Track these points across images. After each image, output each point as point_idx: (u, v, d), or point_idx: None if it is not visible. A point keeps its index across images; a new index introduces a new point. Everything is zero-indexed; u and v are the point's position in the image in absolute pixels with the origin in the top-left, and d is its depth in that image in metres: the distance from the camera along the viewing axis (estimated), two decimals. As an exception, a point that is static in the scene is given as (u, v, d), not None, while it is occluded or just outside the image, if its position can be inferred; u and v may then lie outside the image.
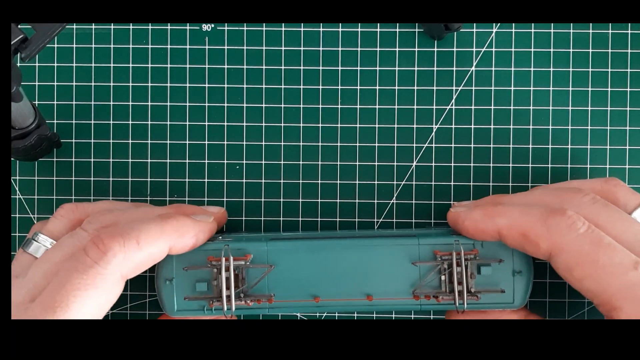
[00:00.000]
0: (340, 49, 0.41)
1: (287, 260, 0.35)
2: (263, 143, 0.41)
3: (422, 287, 0.35)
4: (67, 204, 0.37)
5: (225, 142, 0.41)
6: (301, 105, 0.41)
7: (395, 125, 0.41)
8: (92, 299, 0.31)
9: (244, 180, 0.41)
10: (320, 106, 0.41)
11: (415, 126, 0.41)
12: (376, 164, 0.41)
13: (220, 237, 0.37)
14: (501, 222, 0.34)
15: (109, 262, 0.32)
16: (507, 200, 0.37)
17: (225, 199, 0.41)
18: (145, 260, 0.33)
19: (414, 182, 0.41)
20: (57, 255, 0.33)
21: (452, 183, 0.41)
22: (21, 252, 0.35)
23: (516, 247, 0.34)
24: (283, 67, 0.41)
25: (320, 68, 0.41)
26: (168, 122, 0.41)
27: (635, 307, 0.30)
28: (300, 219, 0.41)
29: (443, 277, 0.35)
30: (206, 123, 0.41)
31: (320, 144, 0.41)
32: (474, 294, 0.35)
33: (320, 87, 0.41)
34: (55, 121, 0.41)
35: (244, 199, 0.41)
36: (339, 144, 0.41)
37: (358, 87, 0.41)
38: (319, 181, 0.41)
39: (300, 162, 0.41)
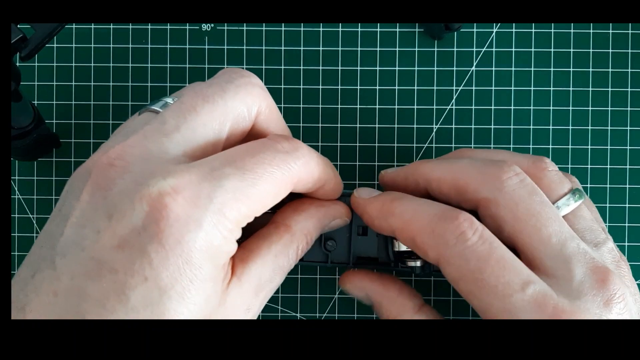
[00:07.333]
0: (340, 49, 0.41)
1: None
2: (263, 143, 0.41)
3: None
4: None
5: (225, 142, 0.41)
6: (301, 105, 0.41)
7: (396, 125, 0.41)
8: (277, 185, 0.28)
9: (244, 181, 0.41)
10: (320, 106, 0.41)
11: (415, 126, 0.41)
12: (376, 164, 0.41)
13: None
14: (394, 223, 0.31)
15: (298, 158, 0.29)
16: (427, 168, 0.33)
17: (225, 199, 0.41)
18: (311, 184, 0.30)
19: (414, 182, 0.41)
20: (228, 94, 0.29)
21: (452, 183, 0.41)
22: (139, 113, 0.30)
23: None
24: (283, 67, 0.41)
25: (320, 68, 0.41)
26: (168, 122, 0.41)
27: None
28: (300, 219, 0.41)
29: None
30: (206, 123, 0.41)
31: (320, 144, 0.41)
32: None
33: (320, 87, 0.41)
34: (54, 121, 0.41)
35: (243, 199, 0.41)
36: (339, 144, 0.41)
37: (358, 87, 0.41)
38: (319, 181, 0.41)
39: (300, 162, 0.41)
